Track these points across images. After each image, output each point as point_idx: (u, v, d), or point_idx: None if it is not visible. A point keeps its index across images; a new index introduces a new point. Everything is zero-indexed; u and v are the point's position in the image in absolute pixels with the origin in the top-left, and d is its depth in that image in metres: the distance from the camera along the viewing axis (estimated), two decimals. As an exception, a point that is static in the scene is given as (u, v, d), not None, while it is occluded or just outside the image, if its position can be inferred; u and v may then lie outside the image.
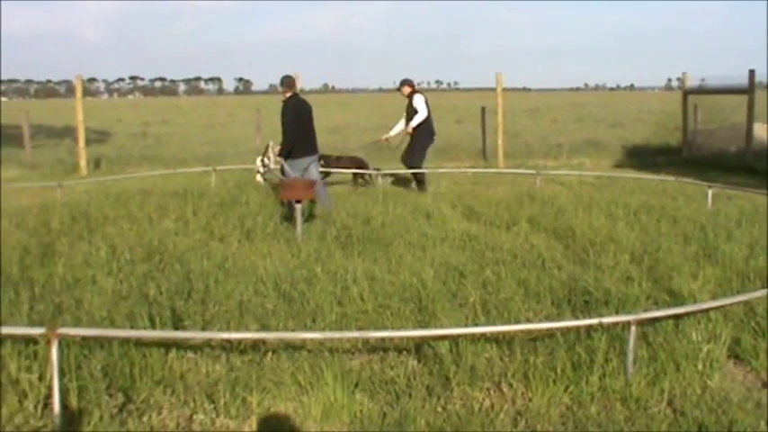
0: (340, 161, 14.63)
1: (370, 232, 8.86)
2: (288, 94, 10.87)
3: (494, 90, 19.90)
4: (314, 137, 11.13)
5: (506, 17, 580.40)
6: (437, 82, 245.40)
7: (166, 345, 5.23)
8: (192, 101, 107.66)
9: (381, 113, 46.00)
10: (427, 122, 13.90)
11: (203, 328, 5.72)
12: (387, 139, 14.94)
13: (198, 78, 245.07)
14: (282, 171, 10.90)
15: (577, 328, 5.25)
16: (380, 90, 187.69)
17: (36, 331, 4.89)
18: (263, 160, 13.01)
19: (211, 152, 21.63)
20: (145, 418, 4.63)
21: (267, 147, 12.83)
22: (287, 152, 10.75)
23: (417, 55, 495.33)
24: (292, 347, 5.29)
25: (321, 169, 12.90)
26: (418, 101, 13.83)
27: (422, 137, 13.86)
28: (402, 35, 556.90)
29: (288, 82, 10.92)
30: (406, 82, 14.15)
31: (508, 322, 5.76)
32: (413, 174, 13.93)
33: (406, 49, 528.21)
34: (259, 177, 13.12)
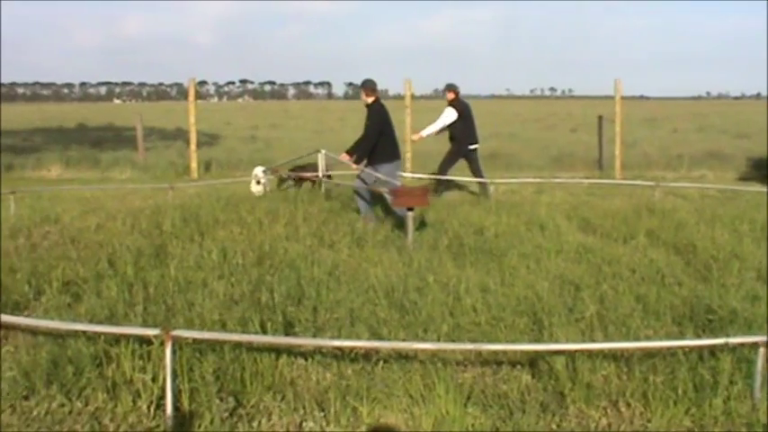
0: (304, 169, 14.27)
1: (483, 243, 8.72)
2: (371, 99, 10.76)
3: (610, 98, 19.56)
4: (397, 141, 11.06)
5: (624, 22, 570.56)
6: (551, 89, 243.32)
7: (277, 350, 5.21)
8: (301, 105, 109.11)
9: (494, 121, 45.77)
10: (468, 130, 13.93)
11: (314, 335, 5.70)
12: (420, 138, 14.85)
13: (307, 82, 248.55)
14: (362, 179, 10.77)
15: (700, 348, 5.03)
16: (493, 96, 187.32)
17: (151, 332, 4.94)
18: (274, 170, 13.03)
19: (321, 158, 21.79)
20: (254, 423, 4.63)
21: (318, 155, 12.76)
22: (366, 157, 10.67)
23: (532, 61, 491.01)
24: (404, 358, 5.21)
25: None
26: (446, 112, 13.87)
27: (456, 145, 13.96)
28: (516, 41, 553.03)
29: (372, 86, 10.82)
30: (450, 87, 14.15)
31: (626, 339, 5.55)
32: (435, 179, 13.96)
33: (520, 55, 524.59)
34: (256, 188, 13.17)
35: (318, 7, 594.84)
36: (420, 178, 14.65)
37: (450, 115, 13.83)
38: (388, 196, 10.26)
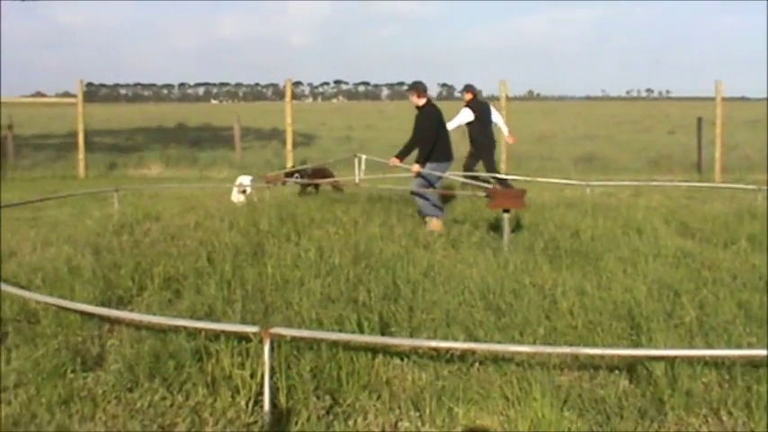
0: (315, 173, 14.16)
1: (579, 246, 8.61)
2: (422, 101, 10.61)
3: (709, 99, 19.15)
4: (451, 143, 10.96)
5: (724, 21, 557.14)
6: (648, 90, 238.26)
7: (374, 350, 5.24)
8: (395, 105, 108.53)
9: (589, 122, 45.19)
10: (486, 131, 13.98)
11: (410, 335, 5.71)
12: None
13: (401, 83, 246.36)
14: (426, 180, 10.65)
15: (807, 358, 4.89)
16: (588, 98, 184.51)
17: (250, 329, 5.02)
18: (270, 179, 12.95)
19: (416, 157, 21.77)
20: (350, 422, 4.66)
21: (358, 159, 12.63)
22: (425, 158, 10.52)
23: (628, 62, 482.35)
24: (500, 360, 5.19)
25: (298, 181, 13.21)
26: (462, 112, 13.83)
27: (478, 147, 13.97)
28: (613, 41, 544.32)
29: (423, 88, 10.70)
30: (468, 88, 14.15)
31: (728, 346, 5.43)
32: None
33: (617, 56, 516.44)
34: (237, 197, 13.02)
35: (413, 7, 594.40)
36: (514, 179, 14.52)
37: (465, 115, 13.78)
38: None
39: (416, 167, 10.52)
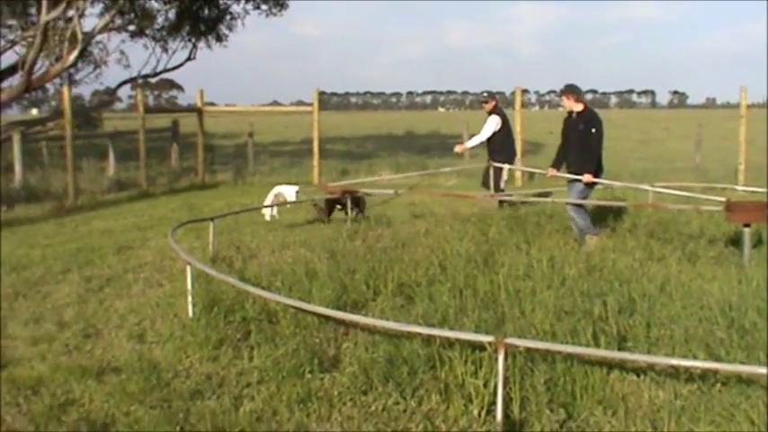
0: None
1: (830, 262, 8.09)
2: (580, 107, 9.97)
3: None
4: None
5: None
6: None
7: (609, 365, 5.13)
8: (623, 114, 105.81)
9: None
10: (508, 141, 13.47)
11: (647, 352, 5.54)
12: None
13: (630, 91, 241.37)
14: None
15: None
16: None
17: (484, 339, 5.02)
18: (331, 189, 12.14)
19: (647, 168, 21.19)
20: (584, 437, 4.58)
21: (502, 170, 12.08)
22: (597, 167, 9.93)
23: None
24: (744, 382, 4.94)
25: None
26: (490, 120, 13.28)
27: (499, 158, 13.20)
28: None
29: (581, 92, 10.03)
30: (491, 95, 13.71)
31: None
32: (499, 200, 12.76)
33: None
34: (269, 210, 12.25)
35: (648, 12, 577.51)
36: (754, 192, 13.80)
37: (495, 123, 13.25)
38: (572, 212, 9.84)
39: (588, 177, 9.83)
